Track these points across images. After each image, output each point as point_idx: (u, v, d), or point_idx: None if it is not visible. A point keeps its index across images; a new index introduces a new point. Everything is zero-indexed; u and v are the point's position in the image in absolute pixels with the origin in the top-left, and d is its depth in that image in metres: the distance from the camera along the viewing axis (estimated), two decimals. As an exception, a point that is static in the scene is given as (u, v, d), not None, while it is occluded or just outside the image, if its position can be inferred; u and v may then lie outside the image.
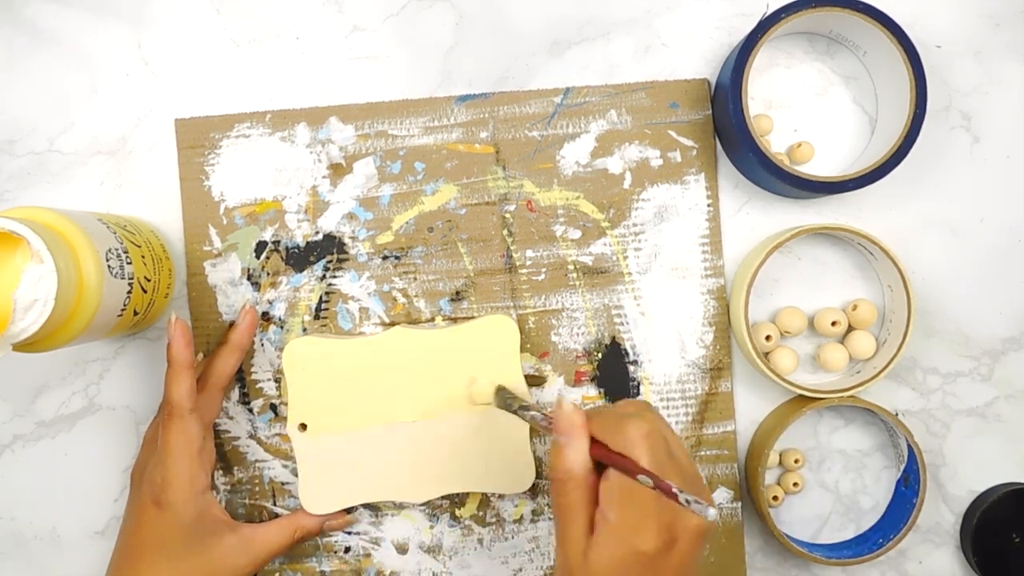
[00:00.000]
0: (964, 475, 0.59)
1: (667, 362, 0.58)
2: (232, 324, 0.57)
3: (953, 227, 0.59)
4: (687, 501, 0.40)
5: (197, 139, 0.58)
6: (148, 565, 0.50)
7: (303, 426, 0.56)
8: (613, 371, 0.58)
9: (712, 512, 0.40)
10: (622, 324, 0.58)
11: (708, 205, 0.58)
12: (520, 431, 0.56)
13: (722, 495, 0.58)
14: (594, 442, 0.44)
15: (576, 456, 0.43)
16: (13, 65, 0.59)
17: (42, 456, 0.59)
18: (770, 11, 0.54)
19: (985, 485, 0.59)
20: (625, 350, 0.58)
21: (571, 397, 0.58)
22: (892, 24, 0.53)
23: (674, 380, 0.58)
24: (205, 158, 0.58)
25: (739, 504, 0.58)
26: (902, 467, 0.57)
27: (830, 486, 0.59)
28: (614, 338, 0.58)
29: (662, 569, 0.41)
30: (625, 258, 0.58)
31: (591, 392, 0.58)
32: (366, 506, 0.58)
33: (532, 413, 0.49)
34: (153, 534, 0.51)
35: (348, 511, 0.57)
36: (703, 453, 0.58)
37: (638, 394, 0.58)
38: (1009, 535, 0.57)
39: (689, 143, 0.58)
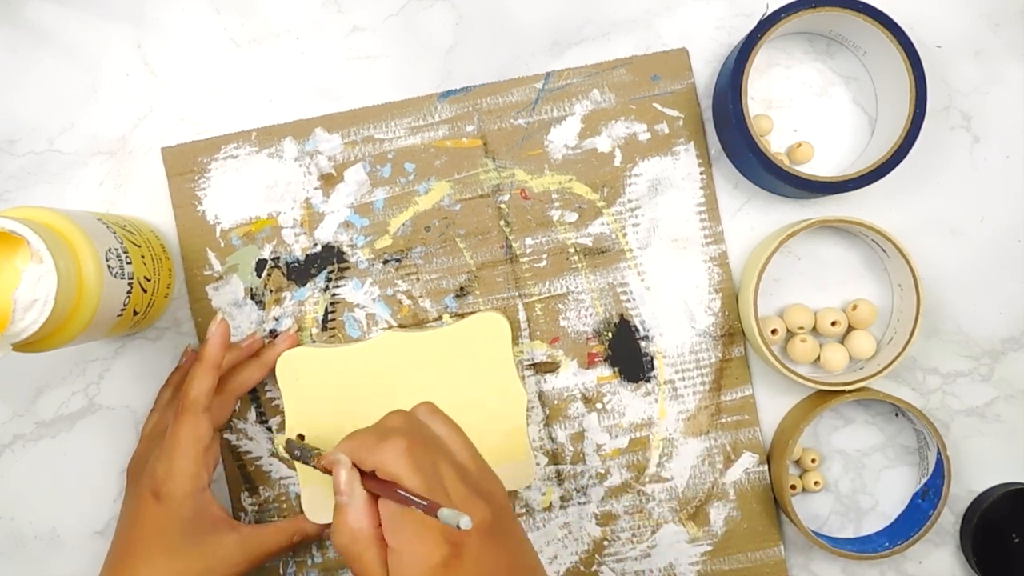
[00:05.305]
0: (964, 475, 0.59)
1: (678, 334, 0.58)
2: (271, 341, 0.58)
3: (953, 227, 0.59)
4: (438, 513, 0.40)
5: (186, 165, 0.58)
6: (145, 560, 0.50)
7: (300, 437, 0.56)
8: (625, 349, 0.58)
9: (464, 521, 0.39)
10: (629, 301, 0.58)
11: (701, 173, 0.58)
12: (518, 431, 0.56)
13: (747, 460, 0.58)
14: (365, 475, 0.44)
15: (357, 514, 0.44)
16: (13, 65, 0.59)
17: (42, 456, 0.59)
18: (770, 11, 0.54)
19: (985, 485, 0.59)
20: (635, 327, 0.58)
21: (586, 379, 0.58)
22: (892, 24, 0.53)
23: (687, 351, 0.58)
24: (196, 183, 0.58)
25: (765, 467, 0.58)
26: (924, 480, 0.57)
27: (830, 486, 0.59)
28: (622, 316, 0.58)
29: (459, 574, 0.41)
30: (624, 235, 0.58)
31: (605, 372, 0.58)
32: None
33: (315, 463, 0.49)
34: (151, 527, 0.51)
35: None
36: (724, 420, 0.58)
37: (652, 369, 0.58)
38: (1009, 535, 0.57)
39: (675, 113, 0.58)
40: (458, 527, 0.39)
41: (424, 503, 0.41)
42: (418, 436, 0.45)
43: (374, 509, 0.44)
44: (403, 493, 0.42)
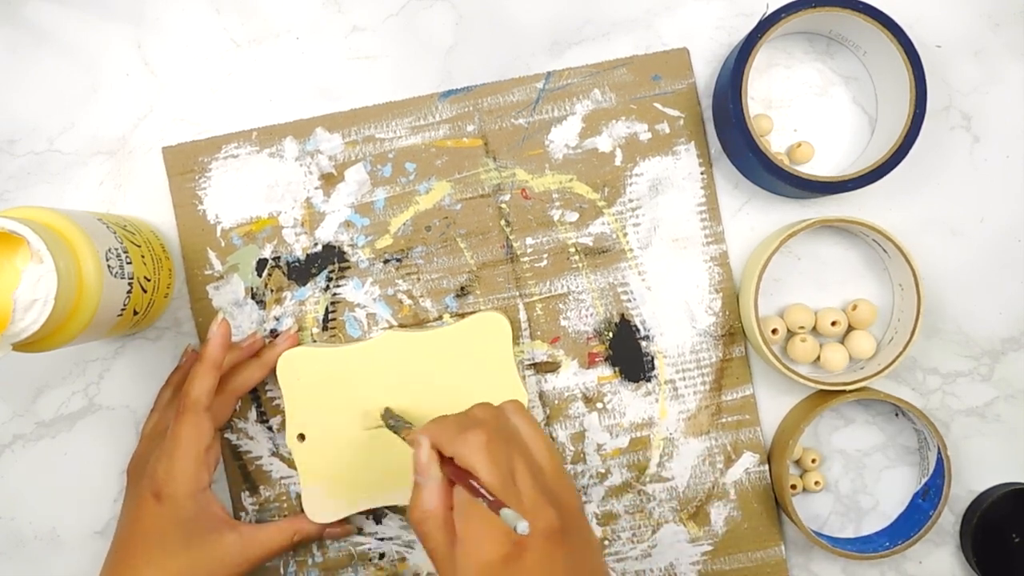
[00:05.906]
0: (964, 475, 0.59)
1: (678, 333, 0.58)
2: (271, 341, 0.58)
3: (953, 227, 0.59)
4: (500, 512, 0.40)
5: (186, 165, 0.58)
6: (145, 560, 0.50)
7: (301, 436, 0.56)
8: (626, 349, 0.58)
9: (522, 526, 0.39)
10: (629, 301, 0.58)
11: (702, 172, 0.58)
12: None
13: (748, 459, 0.58)
14: (444, 460, 0.45)
15: (430, 496, 0.44)
16: (13, 65, 0.59)
17: (42, 456, 0.59)
18: (770, 11, 0.54)
19: (985, 485, 0.59)
20: (635, 326, 0.58)
21: (587, 378, 0.58)
22: (892, 24, 0.53)
23: (687, 350, 0.58)
24: (196, 183, 0.58)
25: (766, 467, 0.58)
26: (924, 480, 0.57)
27: (830, 486, 0.59)
28: (623, 316, 0.58)
29: (517, 574, 0.42)
30: (625, 235, 0.58)
31: (606, 372, 0.58)
32: (395, 510, 0.58)
33: (403, 436, 0.50)
34: (151, 527, 0.51)
35: (347, 520, 0.57)
36: (724, 420, 0.58)
37: (652, 369, 0.58)
38: (1009, 535, 0.57)
39: (675, 113, 0.58)
40: (515, 530, 0.39)
41: (490, 498, 0.41)
42: (500, 432, 0.45)
43: (448, 493, 0.45)
44: (474, 484, 0.42)
